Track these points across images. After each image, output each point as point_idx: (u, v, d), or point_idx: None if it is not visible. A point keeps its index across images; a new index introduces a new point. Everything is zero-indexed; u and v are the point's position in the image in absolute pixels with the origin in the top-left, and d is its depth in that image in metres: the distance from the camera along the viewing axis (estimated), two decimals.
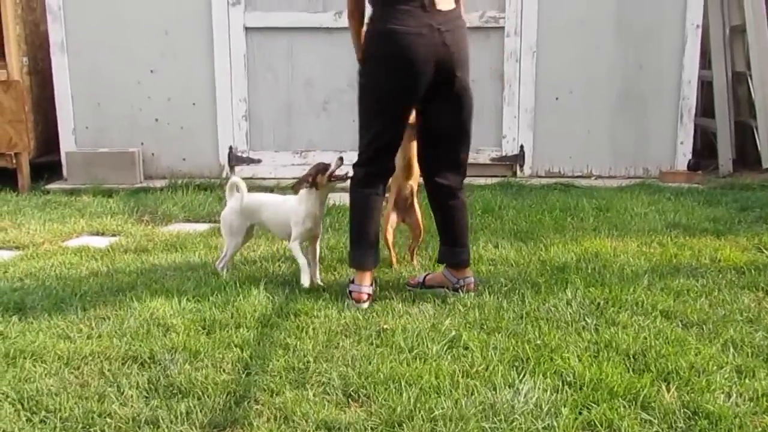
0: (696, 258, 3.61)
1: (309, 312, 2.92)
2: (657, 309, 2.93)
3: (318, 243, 3.36)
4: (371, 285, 3.12)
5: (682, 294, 3.11)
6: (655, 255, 3.67)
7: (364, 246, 3.14)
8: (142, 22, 5.50)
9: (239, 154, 5.67)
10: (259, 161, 5.68)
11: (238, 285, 3.18)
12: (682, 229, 4.13)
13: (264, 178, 5.60)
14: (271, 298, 3.08)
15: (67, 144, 5.61)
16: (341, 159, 3.23)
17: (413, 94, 3.04)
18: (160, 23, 5.50)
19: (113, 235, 4.18)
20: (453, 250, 3.25)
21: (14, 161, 5.42)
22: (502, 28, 5.51)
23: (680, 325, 2.80)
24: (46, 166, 5.73)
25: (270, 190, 5.18)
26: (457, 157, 3.22)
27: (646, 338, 2.65)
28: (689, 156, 5.66)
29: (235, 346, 2.62)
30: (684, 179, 5.51)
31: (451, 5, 3.03)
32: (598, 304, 3.00)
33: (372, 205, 3.16)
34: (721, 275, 3.34)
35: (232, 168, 5.67)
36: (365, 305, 3.02)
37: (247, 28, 5.51)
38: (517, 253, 3.71)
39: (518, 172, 5.69)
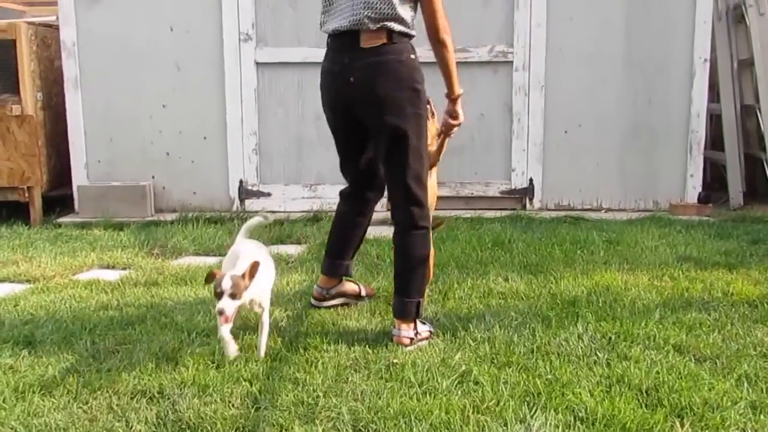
0: (708, 292, 3.59)
1: (318, 346, 2.90)
2: (669, 343, 2.91)
3: (263, 316, 2.86)
4: (326, 289, 3.42)
5: (695, 328, 3.08)
6: (667, 289, 3.65)
7: (325, 253, 3.49)
8: (154, 58, 5.57)
9: (249, 187, 5.70)
10: (269, 194, 5.71)
11: (248, 318, 3.18)
12: (694, 263, 4.11)
13: (274, 211, 5.62)
14: (280, 331, 3.07)
15: (79, 178, 5.66)
16: (221, 293, 2.64)
17: (335, 128, 3.29)
18: (172, 59, 5.57)
19: (124, 269, 4.19)
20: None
21: (27, 195, 5.47)
22: (511, 62, 5.55)
23: (693, 360, 2.77)
24: (58, 199, 5.78)
25: (281, 223, 5.20)
26: (391, 193, 3.14)
27: (658, 373, 2.62)
28: (699, 189, 5.65)
29: (245, 380, 2.61)
30: (694, 212, 5.50)
31: (379, 41, 2.93)
32: (610, 338, 2.97)
33: (341, 218, 3.49)
34: (733, 309, 3.32)
35: (242, 201, 5.69)
36: (313, 301, 3.42)
37: (258, 64, 5.57)
38: (528, 286, 3.70)
39: (528, 205, 5.69)
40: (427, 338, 3.03)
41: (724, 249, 4.41)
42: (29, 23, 5.65)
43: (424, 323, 3.10)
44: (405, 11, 2.95)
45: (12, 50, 5.38)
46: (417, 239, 3.05)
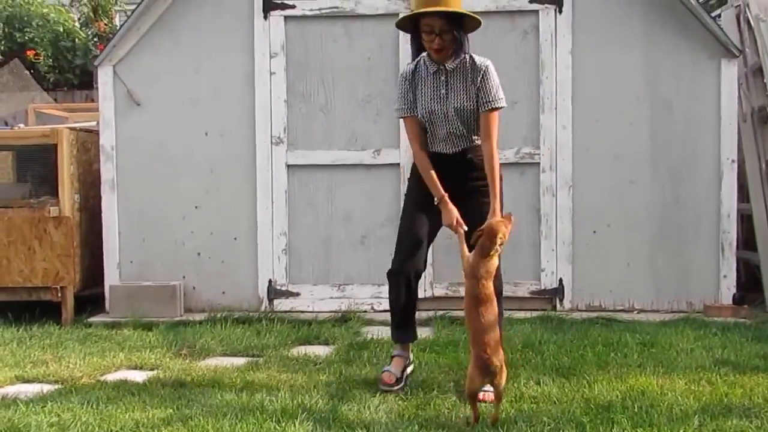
0: (748, 397, 3.46)
1: None
2: None
3: None
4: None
5: None
6: (705, 394, 3.53)
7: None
8: (189, 160, 5.73)
9: (278, 287, 5.72)
10: (297, 294, 5.72)
11: (275, 420, 3.13)
12: (732, 367, 3.98)
13: (302, 312, 5.62)
14: None
15: (111, 278, 5.73)
16: None
17: None
18: (206, 162, 5.73)
19: (151, 369, 4.18)
20: None
21: (59, 295, 5.53)
22: (537, 163, 5.62)
23: None
24: (90, 299, 5.84)
25: (308, 324, 5.19)
26: None
27: None
28: (733, 290, 5.55)
29: None
30: (730, 314, 5.37)
31: None
32: None
33: None
34: None
35: (270, 301, 5.70)
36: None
37: (289, 166, 5.70)
38: (560, 390, 3.61)
39: (558, 306, 5.62)
40: (382, 380, 3.70)
41: (763, 352, 4.28)
42: (71, 129, 5.87)
43: (388, 364, 3.82)
44: None
45: (53, 154, 5.58)
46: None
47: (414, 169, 3.86)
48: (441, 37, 3.53)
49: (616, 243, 5.61)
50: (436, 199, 3.63)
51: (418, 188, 3.78)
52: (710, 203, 5.57)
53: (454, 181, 3.68)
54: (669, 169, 5.59)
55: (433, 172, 3.64)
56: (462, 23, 3.59)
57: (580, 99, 5.60)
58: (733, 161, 5.55)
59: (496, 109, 3.65)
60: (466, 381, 3.26)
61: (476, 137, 3.71)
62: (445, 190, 3.63)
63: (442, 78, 3.67)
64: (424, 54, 3.70)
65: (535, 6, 5.58)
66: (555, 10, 5.56)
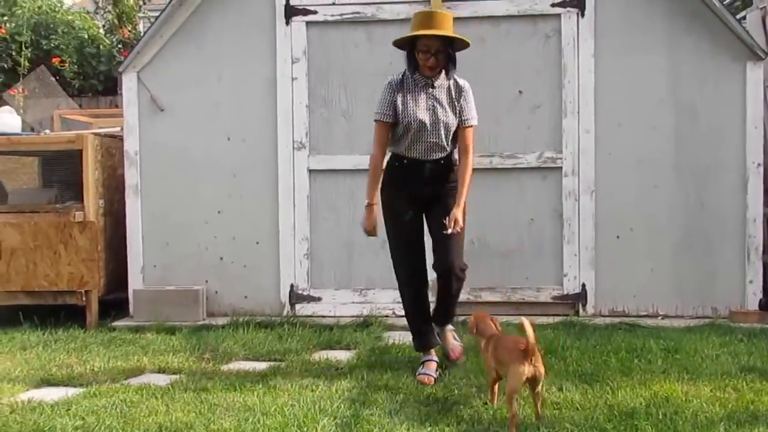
0: None
1: None
2: None
3: None
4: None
5: None
6: (731, 401, 3.49)
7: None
8: (211, 165, 5.77)
9: (300, 292, 5.74)
10: (319, 299, 5.73)
11: (296, 424, 3.13)
12: (758, 373, 3.93)
13: (324, 316, 5.63)
14: None
15: (135, 282, 5.78)
16: None
17: None
18: (228, 167, 5.77)
19: (174, 373, 4.21)
20: None
21: (84, 299, 5.59)
22: (560, 168, 5.59)
23: None
24: (114, 303, 5.89)
25: (330, 328, 5.20)
26: None
27: None
28: (760, 295, 5.48)
29: None
30: (756, 319, 5.31)
31: None
32: None
33: None
34: None
35: (292, 306, 5.72)
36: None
37: (310, 171, 5.72)
38: (583, 396, 3.58)
39: (581, 311, 5.58)
40: (421, 382, 3.90)
41: None
42: (95, 134, 5.94)
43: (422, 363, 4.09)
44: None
45: (79, 159, 5.64)
46: None
47: (383, 193, 4.13)
48: (436, 56, 3.92)
49: (640, 248, 5.57)
50: (366, 201, 4.07)
51: (392, 203, 4.11)
52: (735, 207, 5.51)
53: (429, 184, 4.05)
54: (693, 173, 5.54)
55: (375, 179, 4.07)
56: (453, 44, 3.97)
57: (603, 103, 5.56)
58: (759, 165, 5.48)
59: (473, 126, 4.04)
60: (509, 380, 3.25)
61: (451, 148, 4.04)
62: (421, 193, 4.06)
63: (430, 91, 4.00)
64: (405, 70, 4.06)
65: (557, 10, 5.55)
66: (577, 13, 5.53)
